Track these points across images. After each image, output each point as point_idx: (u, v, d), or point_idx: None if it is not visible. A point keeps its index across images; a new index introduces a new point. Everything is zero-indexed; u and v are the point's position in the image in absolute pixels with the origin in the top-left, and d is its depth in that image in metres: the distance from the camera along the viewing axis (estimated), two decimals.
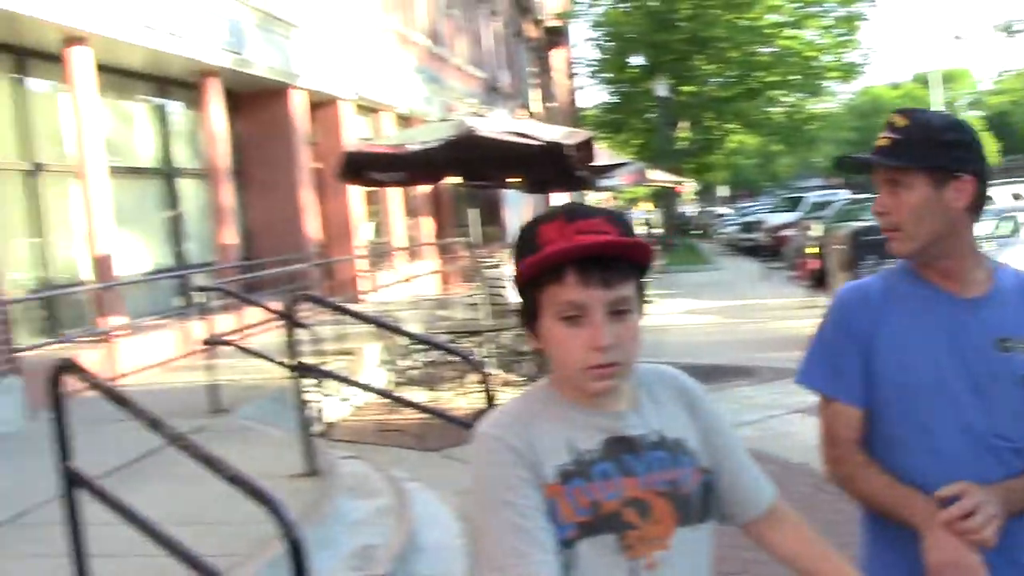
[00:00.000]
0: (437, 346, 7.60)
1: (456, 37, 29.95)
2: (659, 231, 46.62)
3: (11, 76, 11.77)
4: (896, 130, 2.47)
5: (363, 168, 11.97)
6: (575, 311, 1.85)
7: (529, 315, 1.93)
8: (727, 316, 20.31)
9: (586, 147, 11.06)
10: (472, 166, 11.92)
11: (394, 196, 22.04)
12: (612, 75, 48.40)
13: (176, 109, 15.56)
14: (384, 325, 8.01)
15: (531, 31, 46.57)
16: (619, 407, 1.98)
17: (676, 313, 21.00)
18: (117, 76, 13.73)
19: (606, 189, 17.94)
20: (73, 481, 4.25)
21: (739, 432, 9.13)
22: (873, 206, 2.57)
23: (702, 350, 14.78)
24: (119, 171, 13.60)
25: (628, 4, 44.28)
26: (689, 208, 73.63)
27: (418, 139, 11.19)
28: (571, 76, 55.24)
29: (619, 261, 1.87)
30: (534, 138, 10.84)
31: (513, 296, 13.60)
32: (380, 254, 20.58)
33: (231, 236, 15.22)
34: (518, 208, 32.60)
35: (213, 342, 8.92)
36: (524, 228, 1.95)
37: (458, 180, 14.57)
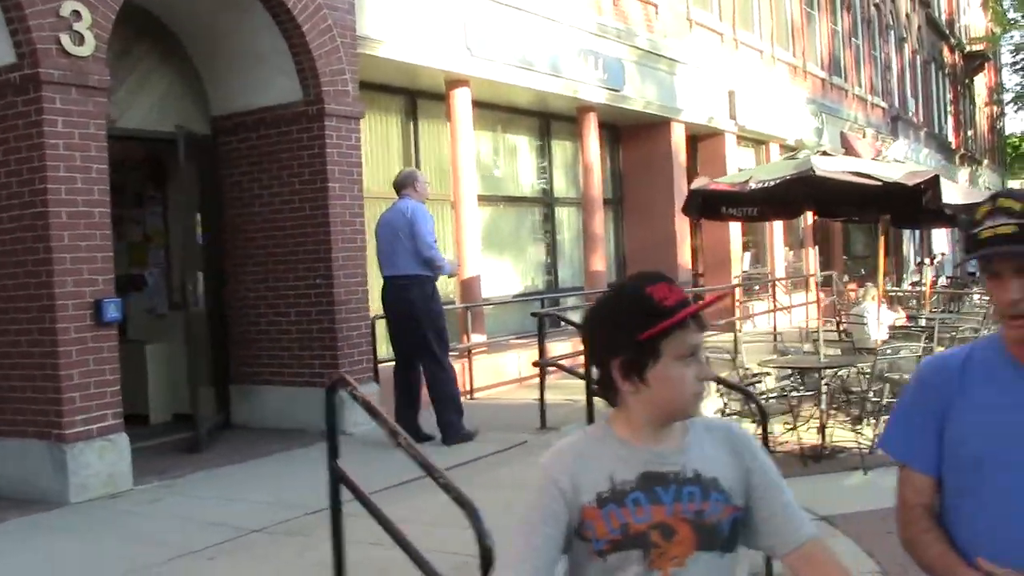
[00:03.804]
0: (719, 381, 7.86)
1: (858, 66, 29.49)
2: None
3: (403, 115, 13.18)
4: (1015, 215, 2.45)
5: (713, 204, 12.35)
6: (692, 352, 2.34)
7: (648, 361, 2.34)
8: None
9: (932, 186, 10.85)
10: (823, 203, 12.05)
11: (776, 228, 22.18)
12: None
13: (553, 142, 16.58)
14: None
15: (949, 57, 44.72)
16: (662, 446, 2.41)
17: None
18: (497, 112, 14.95)
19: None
20: (339, 479, 5.04)
21: None
22: (1003, 297, 2.48)
23: None
24: (494, 200, 14.82)
25: None
26: None
27: (760, 177, 11.44)
28: (993, 104, 52.21)
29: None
30: (875, 178, 10.82)
31: (875, 333, 13.50)
32: (758, 284, 20.79)
33: (600, 263, 16.01)
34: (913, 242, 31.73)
35: (543, 364, 9.62)
36: (627, 295, 2.39)
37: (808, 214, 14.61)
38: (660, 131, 17.80)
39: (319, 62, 9.93)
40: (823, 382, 10.92)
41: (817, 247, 25.12)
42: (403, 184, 9.52)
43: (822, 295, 22.69)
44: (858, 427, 10.70)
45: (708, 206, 12.42)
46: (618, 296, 2.42)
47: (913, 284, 24.27)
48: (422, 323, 9.17)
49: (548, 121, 16.19)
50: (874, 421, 10.55)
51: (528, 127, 16.01)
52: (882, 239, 13.68)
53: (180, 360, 10.76)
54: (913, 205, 11.64)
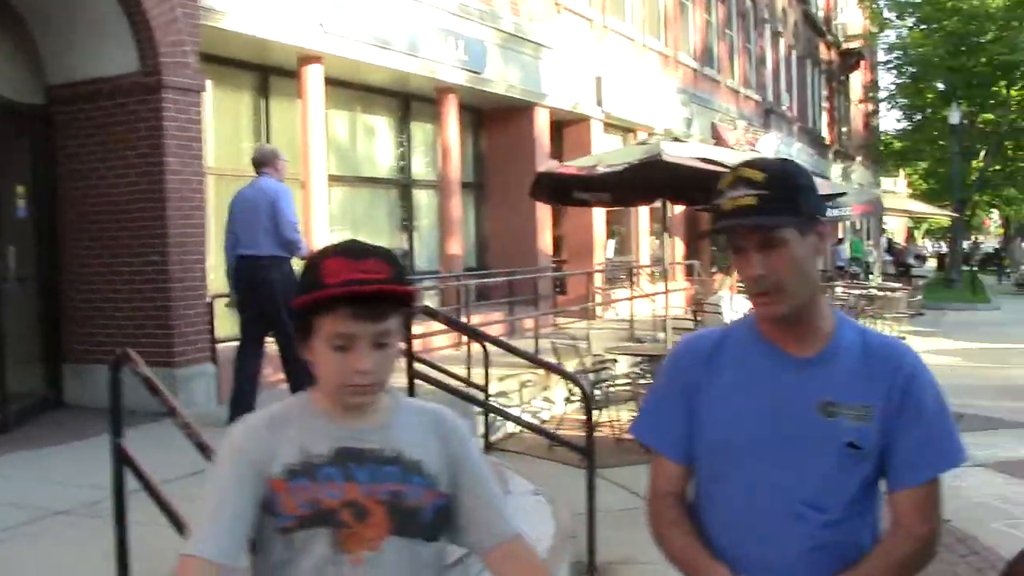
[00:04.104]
0: (533, 361, 7.79)
1: (731, 58, 29.87)
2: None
3: (254, 91, 12.91)
4: (756, 185, 2.29)
5: (563, 187, 12.29)
6: (344, 341, 2.16)
7: (305, 334, 2.23)
8: (973, 359, 18.98)
9: None
10: (677, 189, 12.08)
11: (642, 215, 22.33)
12: (908, 101, 45.98)
13: (413, 123, 16.48)
14: (495, 342, 8.26)
15: (825, 53, 45.56)
16: (361, 423, 2.27)
17: (919, 351, 19.57)
18: (354, 91, 14.76)
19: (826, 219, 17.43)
20: (122, 459, 4.85)
21: None
22: (747, 272, 2.35)
23: None
24: (348, 180, 14.65)
25: (927, 25, 41.95)
26: (993, 242, 69.60)
27: (608, 161, 11.40)
28: (868, 101, 53.30)
29: (387, 299, 2.18)
30: (722, 165, 10.85)
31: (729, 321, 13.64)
32: (622, 272, 20.90)
33: (457, 247, 15.91)
34: None
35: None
36: (312, 257, 2.24)
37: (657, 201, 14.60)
38: (524, 115, 17.76)
39: (157, 32, 9.63)
40: None
41: (684, 236, 25.36)
42: (263, 161, 9.20)
43: (686, 284, 22.97)
44: None
45: (559, 190, 12.36)
46: (308, 260, 2.27)
47: None
48: (280, 303, 8.95)
49: (408, 101, 16.06)
50: None
51: (387, 107, 15.85)
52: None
53: (12, 337, 10.39)
54: None
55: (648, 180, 11.75)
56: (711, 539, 2.47)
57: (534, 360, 7.78)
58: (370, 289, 2.13)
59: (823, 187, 13.72)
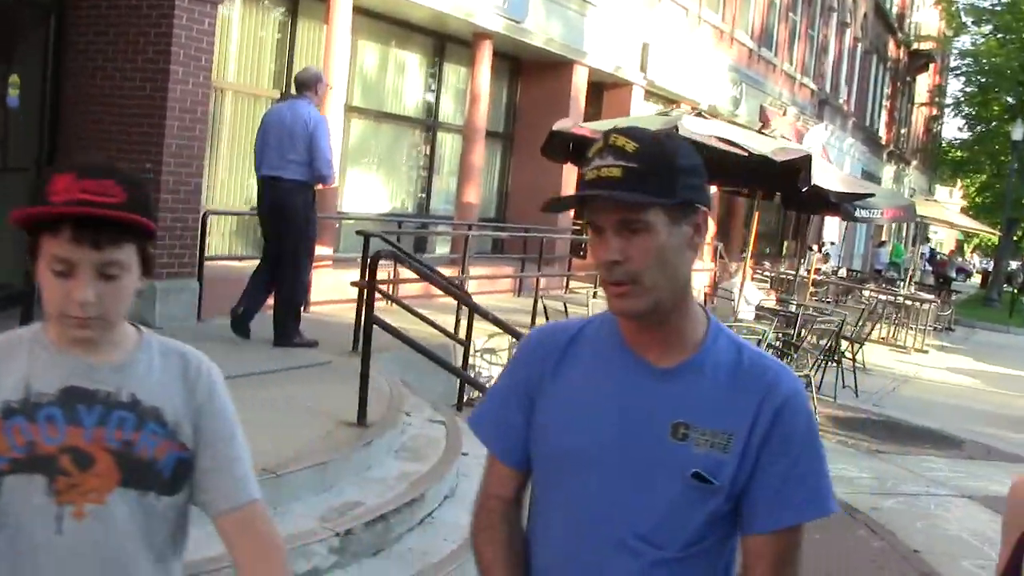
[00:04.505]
0: (491, 320, 7.53)
1: (791, 42, 29.25)
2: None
3: (283, 12, 12.68)
4: (625, 156, 1.95)
5: (583, 150, 11.91)
6: (64, 266, 1.95)
7: (31, 254, 2.01)
8: (994, 384, 18.62)
9: (804, 167, 10.35)
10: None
11: None
12: (973, 111, 44.67)
13: (447, 65, 16.19)
14: (458, 296, 8.02)
15: (894, 51, 44.66)
16: (95, 359, 2.07)
17: (938, 368, 19.81)
18: (388, 24, 14.50)
19: (855, 219, 16.86)
20: None
21: (882, 502, 8.54)
22: (601, 256, 2.00)
23: (926, 409, 13.85)
24: (370, 113, 14.42)
25: (1003, 35, 40.66)
26: None
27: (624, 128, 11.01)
28: (932, 106, 52.17)
29: (117, 226, 1.95)
30: (741, 148, 10.45)
31: (741, 310, 13.32)
32: None
33: (474, 195, 15.61)
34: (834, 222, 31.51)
35: (361, 286, 9.24)
36: (46, 171, 2.04)
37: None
38: (562, 71, 17.35)
39: None
40: None
41: (716, 216, 24.96)
42: (307, 83, 8.95)
43: (711, 264, 22.70)
44: None
45: (578, 152, 12.00)
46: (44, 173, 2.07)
47: (817, 270, 24.33)
48: (300, 228, 8.82)
49: (443, 42, 15.75)
50: None
51: (421, 45, 15.55)
52: (756, 215, 13.48)
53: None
54: (784, 184, 11.34)
55: None
56: (532, 560, 2.20)
57: (492, 319, 7.53)
58: (88, 212, 1.91)
59: (851, 185, 13.21)
